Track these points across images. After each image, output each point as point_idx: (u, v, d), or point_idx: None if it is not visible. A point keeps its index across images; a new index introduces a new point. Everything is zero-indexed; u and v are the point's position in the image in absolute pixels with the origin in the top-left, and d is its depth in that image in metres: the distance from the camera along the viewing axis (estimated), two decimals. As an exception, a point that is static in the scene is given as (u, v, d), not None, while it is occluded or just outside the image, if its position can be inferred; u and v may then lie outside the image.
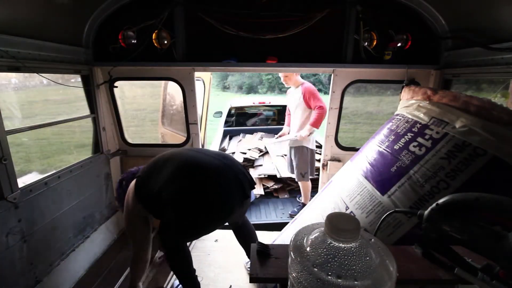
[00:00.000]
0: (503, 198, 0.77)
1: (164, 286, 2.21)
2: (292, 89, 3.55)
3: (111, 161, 2.75)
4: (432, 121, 1.59)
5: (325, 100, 3.10)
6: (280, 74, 3.50)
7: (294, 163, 3.64)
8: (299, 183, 3.74)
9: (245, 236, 2.20)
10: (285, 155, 4.31)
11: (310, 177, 3.64)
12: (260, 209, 3.93)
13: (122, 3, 2.28)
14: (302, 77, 3.65)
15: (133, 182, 1.87)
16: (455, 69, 2.24)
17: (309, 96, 3.31)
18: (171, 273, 2.34)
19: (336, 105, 2.68)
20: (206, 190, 1.67)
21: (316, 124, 3.32)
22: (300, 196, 4.10)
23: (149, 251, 1.95)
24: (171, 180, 1.69)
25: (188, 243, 2.71)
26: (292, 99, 3.54)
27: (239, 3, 2.29)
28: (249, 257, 2.22)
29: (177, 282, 2.28)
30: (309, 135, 3.42)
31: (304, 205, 3.72)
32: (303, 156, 3.53)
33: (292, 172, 3.80)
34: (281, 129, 4.10)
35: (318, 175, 3.22)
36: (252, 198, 4.07)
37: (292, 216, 3.58)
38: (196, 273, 1.94)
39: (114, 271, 2.32)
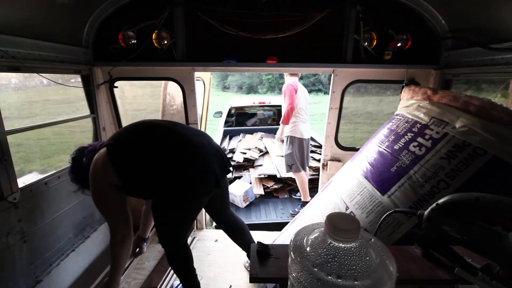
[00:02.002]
0: (503, 198, 0.77)
1: (158, 287, 2.20)
2: None
3: (111, 161, 2.74)
4: (432, 121, 1.59)
5: (325, 100, 3.12)
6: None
7: (283, 154, 3.88)
8: (295, 177, 3.86)
9: (237, 231, 2.19)
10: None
11: (298, 170, 3.76)
12: (260, 209, 3.94)
13: (122, 3, 2.28)
14: (302, 77, 3.75)
15: (102, 151, 1.67)
16: (455, 69, 2.24)
17: (284, 94, 3.74)
18: (166, 274, 2.34)
19: (336, 105, 2.68)
20: (194, 159, 1.68)
21: (283, 121, 3.77)
22: (297, 193, 4.12)
23: (131, 228, 1.74)
24: (159, 145, 1.66)
25: (188, 241, 2.72)
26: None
27: (239, 3, 2.29)
28: (246, 252, 2.23)
29: (176, 282, 2.28)
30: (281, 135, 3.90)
31: (304, 203, 3.74)
32: (290, 147, 3.74)
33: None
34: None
35: (318, 175, 3.22)
36: (252, 198, 4.08)
37: (293, 215, 3.60)
38: (196, 273, 1.94)
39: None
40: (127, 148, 1.68)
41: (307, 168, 3.92)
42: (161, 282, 2.25)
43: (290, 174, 4.00)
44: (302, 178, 3.77)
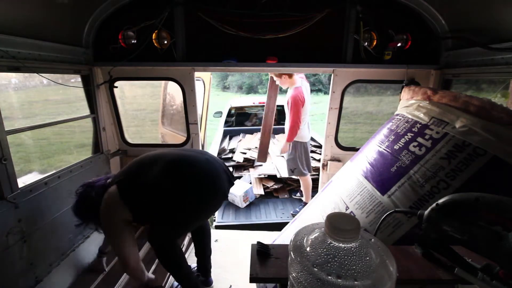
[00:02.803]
0: (503, 198, 0.77)
1: (162, 284, 2.21)
2: (289, 88, 3.60)
3: (111, 161, 2.75)
4: (432, 121, 1.59)
5: (325, 100, 3.11)
6: (275, 78, 3.57)
7: (285, 158, 3.77)
8: (300, 179, 3.80)
9: (204, 233, 2.23)
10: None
11: (302, 174, 3.70)
12: (260, 209, 3.94)
13: (122, 3, 2.28)
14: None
15: (113, 188, 1.73)
16: (455, 69, 2.24)
17: (290, 107, 3.43)
18: (167, 276, 2.34)
19: (336, 105, 2.68)
20: (203, 178, 1.77)
21: (289, 138, 3.56)
22: (297, 193, 4.12)
23: (139, 259, 1.89)
24: (166, 174, 1.71)
25: (186, 243, 2.72)
26: (286, 98, 3.63)
27: (239, 3, 2.29)
28: (199, 256, 2.25)
29: (176, 282, 2.28)
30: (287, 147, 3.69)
31: (306, 204, 3.74)
32: (292, 151, 3.64)
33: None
34: (281, 129, 4.12)
35: (318, 175, 3.22)
36: (252, 198, 4.08)
37: (294, 215, 3.60)
38: (192, 270, 1.95)
39: (114, 271, 2.32)
40: (138, 183, 1.73)
41: (311, 170, 3.86)
42: (164, 281, 2.25)
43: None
44: (307, 181, 3.75)
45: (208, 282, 2.25)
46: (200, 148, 2.89)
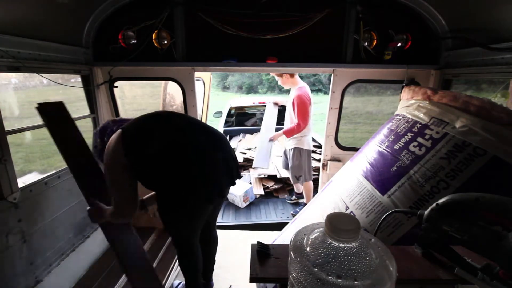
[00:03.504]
0: (503, 198, 0.77)
1: (162, 284, 2.21)
2: (292, 89, 3.49)
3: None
4: (432, 121, 1.59)
5: (325, 100, 3.10)
6: (277, 78, 3.45)
7: (289, 165, 3.65)
8: (302, 186, 3.73)
9: (211, 242, 2.18)
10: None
11: (306, 180, 3.62)
12: (260, 209, 3.93)
13: (122, 3, 2.28)
14: (302, 77, 3.63)
15: (118, 133, 1.63)
16: (455, 69, 2.24)
17: (296, 106, 3.30)
18: (169, 271, 2.34)
19: (336, 105, 2.68)
20: (201, 166, 1.62)
21: (287, 134, 3.48)
22: (290, 197, 4.06)
23: (134, 210, 1.71)
24: (169, 145, 1.61)
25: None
26: (289, 100, 3.49)
27: (239, 3, 2.29)
28: (205, 269, 2.15)
29: (176, 282, 2.28)
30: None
31: (305, 204, 3.72)
32: (298, 159, 3.53)
33: (287, 168, 3.83)
34: (281, 128, 4.07)
35: (318, 175, 3.22)
36: (252, 198, 4.08)
37: (294, 215, 3.58)
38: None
39: (114, 271, 2.32)
40: (140, 136, 1.63)
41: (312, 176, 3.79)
42: (163, 280, 2.25)
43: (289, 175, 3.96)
44: (309, 187, 3.70)
45: (209, 285, 2.26)
46: None
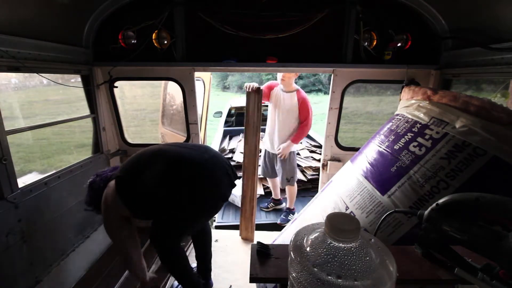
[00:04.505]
0: (503, 198, 0.77)
1: (161, 286, 2.20)
2: (281, 91, 3.32)
3: (111, 161, 2.75)
4: (432, 121, 1.59)
5: (325, 100, 3.09)
6: (279, 75, 3.31)
7: (278, 168, 3.55)
8: (286, 188, 3.62)
9: (204, 234, 2.19)
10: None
11: (295, 181, 3.57)
12: (260, 209, 3.93)
13: (122, 3, 2.28)
14: (302, 77, 3.62)
15: (112, 182, 1.75)
16: (455, 69, 2.24)
17: (304, 107, 3.26)
18: (168, 276, 2.34)
19: (336, 105, 2.68)
20: (202, 182, 1.72)
21: (296, 140, 3.35)
22: (267, 204, 3.95)
23: (139, 251, 1.90)
24: (162, 181, 1.69)
25: (187, 243, 2.72)
26: (283, 102, 3.33)
27: (239, 3, 2.29)
28: (200, 259, 2.21)
29: (176, 282, 2.28)
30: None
31: (289, 209, 3.67)
32: (290, 161, 3.47)
33: (267, 175, 3.75)
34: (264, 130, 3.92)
35: (318, 175, 3.22)
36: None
37: (281, 225, 3.50)
38: (195, 272, 1.94)
39: (114, 271, 2.32)
40: (136, 180, 1.71)
41: None
42: (163, 283, 2.25)
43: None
44: (295, 190, 3.65)
45: (209, 284, 2.25)
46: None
